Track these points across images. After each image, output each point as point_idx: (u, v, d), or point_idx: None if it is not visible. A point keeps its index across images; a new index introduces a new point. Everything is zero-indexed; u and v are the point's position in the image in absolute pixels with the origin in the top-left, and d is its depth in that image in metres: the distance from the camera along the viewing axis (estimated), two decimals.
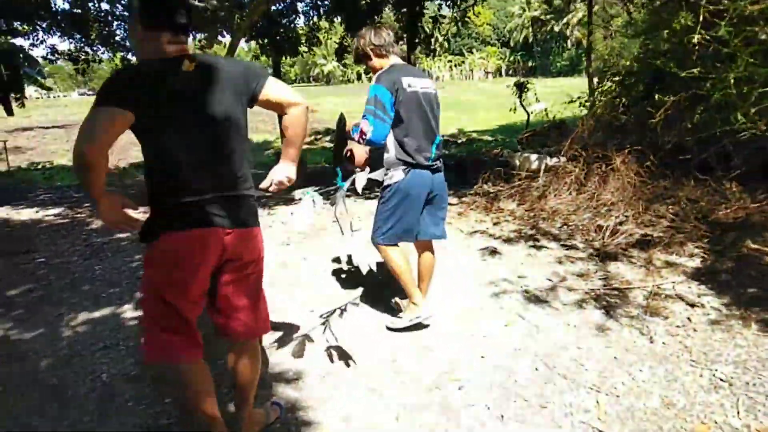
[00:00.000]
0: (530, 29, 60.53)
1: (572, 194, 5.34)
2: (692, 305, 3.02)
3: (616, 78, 6.95)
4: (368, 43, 2.66)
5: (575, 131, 6.10)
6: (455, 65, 71.50)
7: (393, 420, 2.17)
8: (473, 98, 31.42)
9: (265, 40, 10.04)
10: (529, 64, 67.14)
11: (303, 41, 9.85)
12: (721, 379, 2.31)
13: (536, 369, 2.50)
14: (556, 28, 55.93)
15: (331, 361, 2.61)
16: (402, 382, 2.44)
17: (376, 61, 2.70)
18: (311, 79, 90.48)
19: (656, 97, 5.11)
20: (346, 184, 2.75)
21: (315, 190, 2.53)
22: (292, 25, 9.21)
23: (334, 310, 3.23)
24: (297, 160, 1.95)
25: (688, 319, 2.87)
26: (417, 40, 11.27)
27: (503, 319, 3.04)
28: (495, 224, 5.10)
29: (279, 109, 1.83)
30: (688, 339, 2.67)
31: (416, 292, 2.85)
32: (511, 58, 69.11)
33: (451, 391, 2.35)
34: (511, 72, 66.25)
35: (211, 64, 1.71)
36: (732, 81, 4.29)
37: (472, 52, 70.79)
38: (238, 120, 1.74)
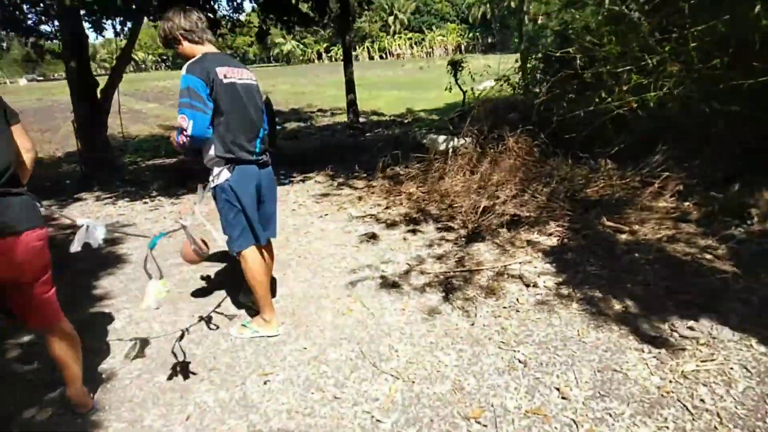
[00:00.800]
0: (488, 5, 60.40)
1: (466, 176, 5.38)
2: (528, 285, 3.09)
3: (539, 56, 7.05)
4: (177, 27, 2.46)
5: (472, 112, 6.13)
6: (415, 42, 71.00)
7: (183, 421, 2.15)
8: (430, 76, 31.37)
9: None
10: (489, 40, 67.17)
11: (223, 24, 9.52)
12: (519, 360, 2.37)
13: (350, 359, 2.51)
14: (513, 4, 55.93)
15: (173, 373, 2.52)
16: (211, 381, 2.42)
17: (186, 47, 2.49)
18: (271, 59, 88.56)
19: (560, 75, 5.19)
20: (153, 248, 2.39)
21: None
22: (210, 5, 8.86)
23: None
24: None
25: (517, 300, 2.93)
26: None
27: (345, 307, 3.05)
28: (387, 208, 5.11)
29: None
30: (508, 320, 2.73)
31: (269, 308, 2.77)
32: (470, 35, 68.98)
33: (254, 386, 2.35)
34: (470, 49, 66.20)
35: None
36: (602, 59, 4.36)
37: (432, 30, 70.36)
38: None
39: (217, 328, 2.91)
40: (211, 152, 2.48)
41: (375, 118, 18.26)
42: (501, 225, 4.10)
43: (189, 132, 2.30)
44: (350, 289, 3.31)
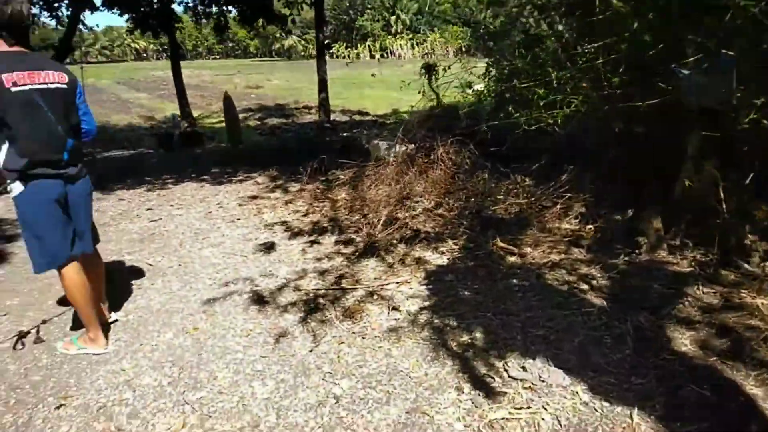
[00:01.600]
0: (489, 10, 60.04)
1: (391, 185, 5.20)
2: (391, 309, 2.91)
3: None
4: None
5: (407, 121, 5.95)
6: (417, 43, 70.80)
7: None
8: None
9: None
10: (491, 44, 66.87)
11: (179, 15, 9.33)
12: (334, 395, 2.18)
13: (161, 385, 2.33)
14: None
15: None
16: (5, 402, 2.25)
17: None
18: (273, 53, 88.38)
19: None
20: None
21: None
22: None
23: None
24: None
25: (370, 325, 2.75)
26: None
27: (192, 325, 2.87)
28: (304, 215, 4.93)
29: None
30: (349, 348, 2.54)
31: (94, 325, 2.58)
32: (472, 38, 68.71)
33: (44, 412, 2.17)
34: (472, 52, 65.88)
35: None
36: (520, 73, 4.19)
37: (434, 31, 70.10)
38: None
39: (41, 341, 2.73)
40: (0, 164, 2.25)
41: (358, 117, 18.09)
42: (401, 240, 3.92)
43: None
44: (211, 304, 3.12)
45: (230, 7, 9.47)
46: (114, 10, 10.70)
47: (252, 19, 10.31)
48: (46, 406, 2.20)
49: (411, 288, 3.17)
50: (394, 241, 3.91)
